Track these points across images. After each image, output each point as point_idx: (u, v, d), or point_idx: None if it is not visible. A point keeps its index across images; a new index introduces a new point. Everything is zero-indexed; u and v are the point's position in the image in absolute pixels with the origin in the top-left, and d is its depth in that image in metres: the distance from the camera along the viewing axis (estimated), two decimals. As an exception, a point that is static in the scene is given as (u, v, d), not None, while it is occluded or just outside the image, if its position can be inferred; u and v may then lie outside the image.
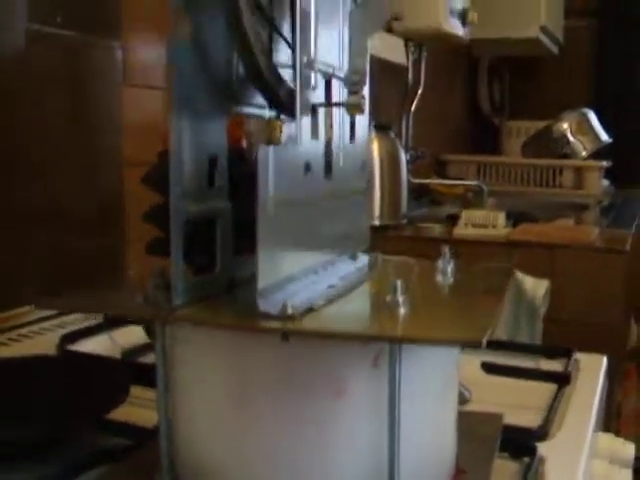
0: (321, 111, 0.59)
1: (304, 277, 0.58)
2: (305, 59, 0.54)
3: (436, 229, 1.64)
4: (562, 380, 0.94)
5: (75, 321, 1.20)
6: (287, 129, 0.56)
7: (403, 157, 1.59)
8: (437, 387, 0.60)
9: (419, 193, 2.36)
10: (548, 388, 0.93)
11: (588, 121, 3.02)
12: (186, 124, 0.52)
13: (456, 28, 2.36)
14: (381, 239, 1.30)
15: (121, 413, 0.75)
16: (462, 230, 1.61)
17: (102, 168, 1.36)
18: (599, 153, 2.98)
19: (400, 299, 0.52)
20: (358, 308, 0.57)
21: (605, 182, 2.96)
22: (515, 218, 1.71)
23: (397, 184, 1.56)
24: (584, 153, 2.95)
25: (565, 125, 2.96)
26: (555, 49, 3.32)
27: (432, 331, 0.51)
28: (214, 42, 0.54)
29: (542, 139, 2.98)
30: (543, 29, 2.98)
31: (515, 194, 2.80)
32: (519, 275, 1.39)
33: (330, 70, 0.60)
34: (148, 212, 0.60)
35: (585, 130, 2.99)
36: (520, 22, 2.90)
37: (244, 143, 0.63)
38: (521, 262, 1.50)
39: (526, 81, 3.64)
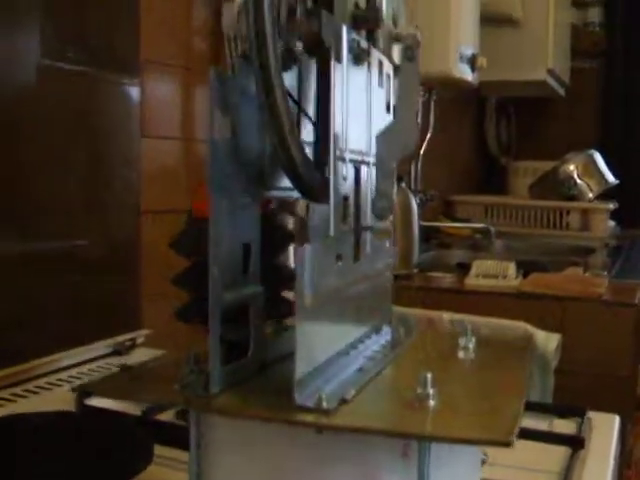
0: (350, 197, 0.61)
1: (336, 360, 0.59)
2: (338, 153, 0.56)
3: (447, 279, 1.66)
4: (576, 444, 0.95)
5: (92, 372, 1.21)
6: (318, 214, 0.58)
7: (415, 208, 1.61)
8: (465, 470, 0.61)
9: (427, 234, 2.38)
10: (562, 451, 0.94)
11: (595, 163, 3.05)
12: (223, 215, 0.54)
13: (465, 73, 2.40)
14: (393, 289, 1.31)
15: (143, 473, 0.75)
16: (473, 281, 1.63)
17: (117, 213, 1.36)
18: (605, 194, 3.00)
19: (429, 392, 0.54)
20: (389, 400, 0.59)
21: (611, 223, 2.98)
22: (525, 267, 1.72)
23: (410, 235, 1.58)
24: (591, 195, 2.97)
25: (572, 167, 2.99)
26: (562, 90, 3.35)
27: (460, 430, 0.53)
28: (248, 133, 0.56)
29: (549, 181, 3.00)
30: (550, 72, 3.02)
31: (522, 236, 2.82)
32: (530, 329, 1.40)
33: (360, 158, 0.62)
34: (177, 277, 0.62)
35: (592, 172, 3.01)
36: (527, 65, 2.93)
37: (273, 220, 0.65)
38: (532, 313, 1.52)
39: (533, 121, 3.67)
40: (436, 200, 2.26)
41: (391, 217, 0.69)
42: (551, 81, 3.09)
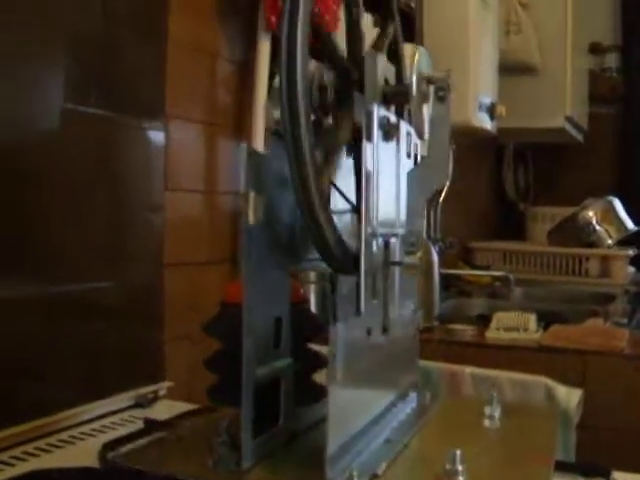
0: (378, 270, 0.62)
1: (365, 431, 0.60)
2: (370, 230, 0.57)
3: (468, 332, 1.65)
4: (602, 506, 0.94)
5: (115, 425, 1.21)
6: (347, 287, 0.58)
7: (436, 260, 1.62)
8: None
9: (447, 282, 2.38)
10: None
11: (614, 209, 3.05)
12: (256, 293, 0.55)
13: (484, 122, 2.42)
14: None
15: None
16: (494, 334, 1.62)
17: (139, 259, 1.36)
18: (625, 241, 3.00)
19: (459, 468, 0.54)
20: (419, 475, 0.59)
21: (631, 270, 2.97)
22: (546, 319, 1.72)
23: (431, 287, 1.59)
24: (610, 241, 2.96)
25: (591, 213, 2.99)
26: (580, 137, 3.37)
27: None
28: (280, 212, 0.58)
29: (568, 227, 3.00)
30: (568, 119, 3.03)
31: (541, 283, 2.81)
32: (551, 384, 1.40)
33: (389, 231, 0.63)
34: (208, 360, 0.63)
35: (611, 218, 3.01)
36: (545, 112, 2.95)
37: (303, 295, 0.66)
38: (553, 367, 1.51)
39: (551, 167, 3.68)
40: (455, 248, 2.26)
41: (419, 254, 0.69)
42: (569, 128, 3.11)
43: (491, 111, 2.44)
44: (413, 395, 0.73)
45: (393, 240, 0.65)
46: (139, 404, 1.30)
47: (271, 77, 1.57)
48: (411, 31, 2.28)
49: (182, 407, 1.28)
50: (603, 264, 2.87)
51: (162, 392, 1.35)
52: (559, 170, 3.67)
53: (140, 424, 1.19)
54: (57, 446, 1.11)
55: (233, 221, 1.58)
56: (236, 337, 0.55)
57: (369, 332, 0.58)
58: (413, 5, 2.31)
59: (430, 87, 0.66)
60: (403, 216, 0.66)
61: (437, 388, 1.47)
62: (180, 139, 1.44)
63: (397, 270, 0.65)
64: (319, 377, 0.66)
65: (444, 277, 2.17)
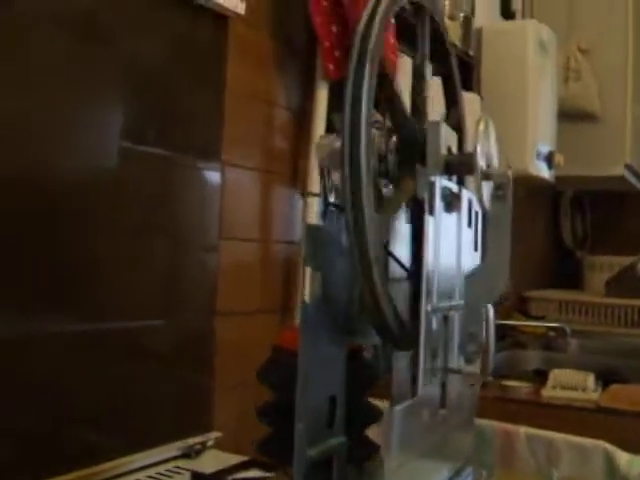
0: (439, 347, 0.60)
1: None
2: (429, 307, 0.55)
3: (523, 389, 1.61)
4: None
5: (160, 477, 1.20)
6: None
7: (492, 317, 1.58)
8: None
9: (501, 332, 2.33)
10: None
11: (675, 259, 2.97)
12: (311, 370, 0.53)
13: (542, 171, 2.39)
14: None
15: None
16: (550, 392, 1.58)
17: (193, 301, 1.36)
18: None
19: None
20: None
21: (693, 323, 2.88)
22: (605, 377, 1.67)
23: (486, 343, 1.54)
24: (671, 293, 2.88)
25: (651, 263, 2.92)
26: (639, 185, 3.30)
27: None
28: (337, 285, 0.56)
29: (627, 277, 2.93)
30: (628, 167, 2.98)
31: (599, 334, 2.74)
32: (611, 449, 1.35)
33: (449, 304, 0.61)
34: (261, 409, 0.61)
35: (672, 269, 2.93)
36: (605, 160, 2.90)
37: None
38: (612, 430, 1.46)
39: (609, 214, 3.61)
40: (511, 299, 2.22)
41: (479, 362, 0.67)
42: (629, 176, 3.05)
43: (549, 160, 2.40)
44: (469, 471, 0.70)
45: (452, 313, 0.63)
46: (186, 454, 1.29)
47: (328, 125, 1.57)
48: (469, 80, 2.27)
49: (230, 459, 1.26)
50: (663, 316, 2.79)
51: (210, 442, 1.34)
52: (618, 218, 3.59)
53: (186, 476, 1.18)
54: (102, 497, 1.10)
55: (285, 270, 1.57)
56: (290, 387, 0.54)
57: (426, 413, 0.56)
58: (471, 53, 2.30)
59: (489, 183, 0.63)
60: (462, 288, 0.64)
61: (490, 448, 1.43)
62: (235, 185, 1.44)
63: (456, 341, 0.63)
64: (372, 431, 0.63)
65: (498, 327, 2.12)
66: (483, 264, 0.66)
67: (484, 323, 0.64)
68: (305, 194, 1.55)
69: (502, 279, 0.64)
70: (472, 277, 0.64)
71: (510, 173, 0.67)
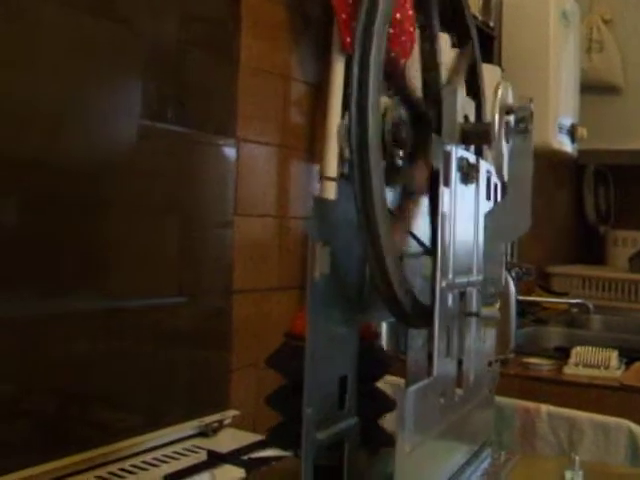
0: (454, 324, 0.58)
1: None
2: (444, 283, 0.53)
3: (544, 367, 1.58)
4: None
5: (177, 455, 1.19)
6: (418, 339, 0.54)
7: (513, 290, 1.56)
8: None
9: (523, 308, 2.30)
10: None
11: (700, 234, 2.92)
12: (320, 350, 0.51)
13: (565, 144, 2.34)
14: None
15: None
16: (572, 370, 1.55)
17: (210, 277, 1.34)
18: None
19: None
20: None
21: None
22: (628, 355, 1.63)
23: (507, 318, 1.52)
24: (695, 269, 2.83)
25: (674, 239, 2.87)
26: (665, 158, 3.24)
27: None
28: (348, 262, 0.54)
29: (650, 253, 2.89)
30: (653, 140, 2.92)
31: (622, 310, 2.70)
32: (635, 428, 1.32)
33: (465, 280, 0.58)
34: (271, 396, 0.60)
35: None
36: (629, 133, 2.85)
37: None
38: (635, 409, 1.43)
39: (633, 189, 3.54)
40: (533, 275, 2.18)
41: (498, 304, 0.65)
42: (654, 150, 2.99)
43: (572, 133, 2.36)
44: (487, 453, 0.68)
45: (470, 289, 0.60)
46: (203, 433, 1.28)
47: (345, 99, 1.54)
48: (490, 51, 2.22)
49: (247, 437, 1.25)
50: (687, 291, 2.75)
51: (227, 421, 1.33)
52: (641, 192, 3.53)
53: (203, 455, 1.17)
54: (119, 475, 1.09)
55: (303, 246, 1.55)
56: (299, 371, 0.51)
57: (442, 394, 0.54)
58: (492, 24, 2.25)
59: (510, 117, 0.60)
60: (481, 263, 0.61)
61: (510, 427, 1.40)
62: (251, 161, 1.42)
63: (474, 322, 0.60)
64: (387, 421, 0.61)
65: (520, 303, 2.09)
66: (504, 201, 0.63)
67: (504, 265, 0.61)
68: (322, 178, 1.53)
69: (524, 218, 0.61)
70: (491, 216, 0.61)
71: (532, 106, 0.64)
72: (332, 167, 1.51)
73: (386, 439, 0.57)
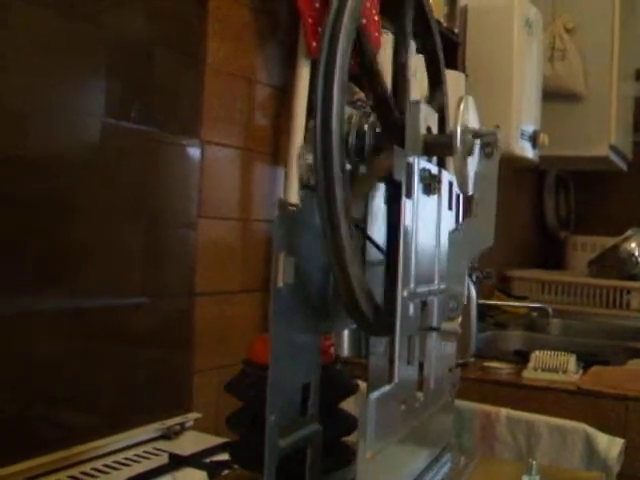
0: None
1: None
2: (406, 293, 0.54)
3: (504, 371, 1.60)
4: None
5: (138, 458, 1.18)
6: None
7: (474, 295, 1.58)
8: None
9: (483, 311, 2.33)
10: None
11: (657, 241, 2.97)
12: (283, 361, 0.52)
13: (527, 150, 2.37)
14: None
15: None
16: (531, 374, 1.57)
17: (173, 277, 1.34)
18: (668, 274, 2.92)
19: None
20: None
21: (674, 304, 2.89)
22: (585, 359, 1.66)
23: (467, 322, 1.54)
24: (653, 274, 2.89)
25: (633, 244, 2.91)
26: (624, 165, 3.29)
27: None
28: (312, 271, 0.54)
29: (609, 258, 2.93)
30: (612, 147, 2.97)
31: (581, 314, 2.75)
32: (591, 431, 1.34)
33: (427, 289, 0.59)
34: (229, 418, 0.60)
35: (655, 250, 2.93)
36: (589, 141, 2.89)
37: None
38: (592, 412, 1.46)
39: (593, 195, 3.60)
40: (493, 278, 2.21)
41: (459, 319, 0.66)
42: (613, 157, 3.04)
43: (534, 139, 2.39)
44: (447, 457, 0.69)
45: (431, 298, 0.61)
46: (165, 436, 1.28)
47: (310, 103, 1.55)
48: (454, 57, 2.24)
49: (209, 440, 1.25)
50: (645, 297, 2.79)
51: (189, 424, 1.33)
52: (601, 198, 3.59)
53: (165, 458, 1.17)
54: (79, 479, 1.09)
55: (267, 249, 1.55)
56: (259, 399, 0.52)
57: (403, 401, 0.55)
58: (456, 31, 2.28)
59: (476, 141, 0.62)
60: (443, 272, 0.62)
61: (470, 430, 1.42)
62: (215, 163, 1.42)
63: (434, 335, 0.61)
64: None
65: (480, 307, 2.12)
66: (468, 222, 0.64)
67: (466, 282, 0.62)
68: (287, 176, 1.53)
69: (488, 236, 0.62)
70: (455, 233, 0.63)
71: (498, 132, 0.65)
72: (296, 170, 1.52)
73: (350, 456, 0.57)
